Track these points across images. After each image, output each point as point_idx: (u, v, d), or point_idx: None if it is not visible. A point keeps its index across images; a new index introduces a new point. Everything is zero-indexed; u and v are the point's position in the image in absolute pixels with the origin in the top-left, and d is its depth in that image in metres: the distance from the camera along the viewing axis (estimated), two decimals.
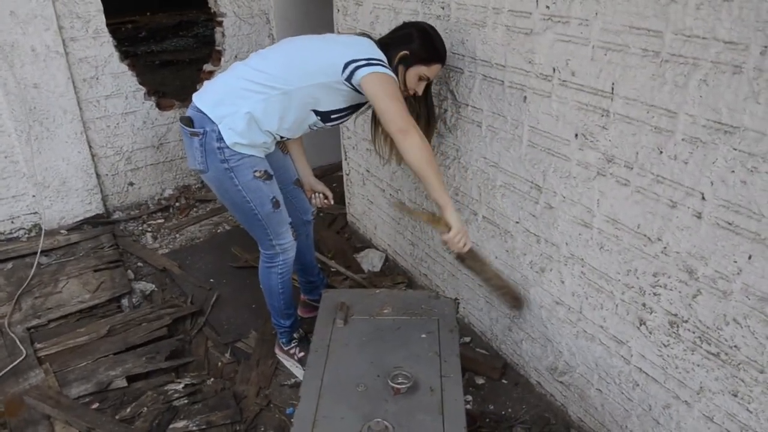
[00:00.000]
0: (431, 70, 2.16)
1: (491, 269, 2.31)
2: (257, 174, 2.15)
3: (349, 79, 2.01)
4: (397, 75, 2.08)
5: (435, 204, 2.08)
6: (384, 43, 2.15)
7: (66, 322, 2.90)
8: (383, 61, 2.02)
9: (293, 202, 2.51)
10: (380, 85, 1.98)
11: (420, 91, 2.19)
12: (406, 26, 2.20)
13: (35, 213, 3.68)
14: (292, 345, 2.59)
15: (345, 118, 2.26)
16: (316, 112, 2.15)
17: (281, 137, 2.22)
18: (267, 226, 2.27)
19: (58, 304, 3.00)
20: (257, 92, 2.06)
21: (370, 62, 1.99)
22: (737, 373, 1.60)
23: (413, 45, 2.10)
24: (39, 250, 3.38)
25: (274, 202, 2.22)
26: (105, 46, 3.61)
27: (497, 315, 2.56)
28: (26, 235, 3.66)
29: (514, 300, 2.32)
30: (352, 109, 2.23)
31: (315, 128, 2.26)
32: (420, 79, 2.15)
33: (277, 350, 2.65)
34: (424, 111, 2.30)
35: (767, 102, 1.35)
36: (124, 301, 3.06)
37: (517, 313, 2.39)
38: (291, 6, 4.14)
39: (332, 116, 2.19)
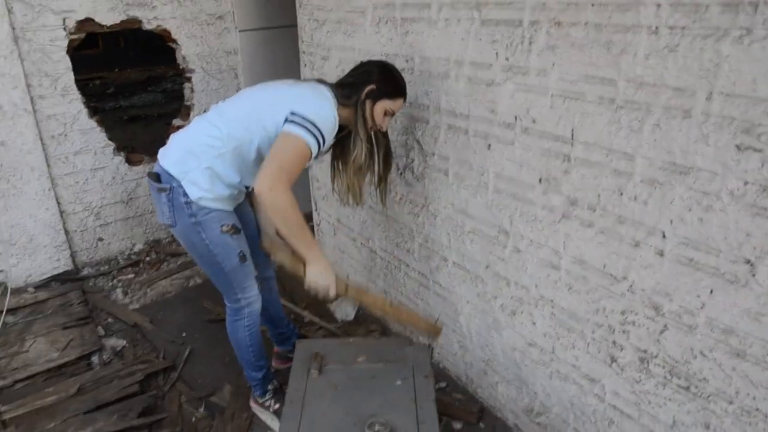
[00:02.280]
0: (396, 105, 2.19)
1: (383, 306, 2.30)
2: (225, 228, 2.16)
3: None
4: (364, 109, 2.13)
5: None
6: (348, 83, 2.18)
7: (33, 382, 2.82)
8: (315, 125, 1.99)
9: (255, 257, 2.51)
10: (286, 138, 1.98)
11: (385, 127, 2.23)
12: (365, 64, 2.23)
13: (1, 271, 3.62)
14: (267, 397, 2.56)
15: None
16: None
17: (246, 187, 2.23)
18: (233, 280, 2.27)
19: (24, 364, 2.93)
20: (214, 147, 2.07)
21: (298, 121, 1.98)
22: (708, 405, 1.64)
23: (377, 80, 2.13)
24: (5, 309, 3.31)
25: (240, 256, 2.23)
26: (74, 103, 3.63)
27: (471, 359, 2.58)
28: None
29: (427, 331, 2.28)
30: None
31: None
32: (385, 114, 2.18)
33: (252, 403, 2.62)
34: (383, 147, 2.34)
35: (716, 144, 1.43)
36: (95, 359, 3.00)
37: (434, 341, 2.36)
38: (258, 61, 4.22)
39: None
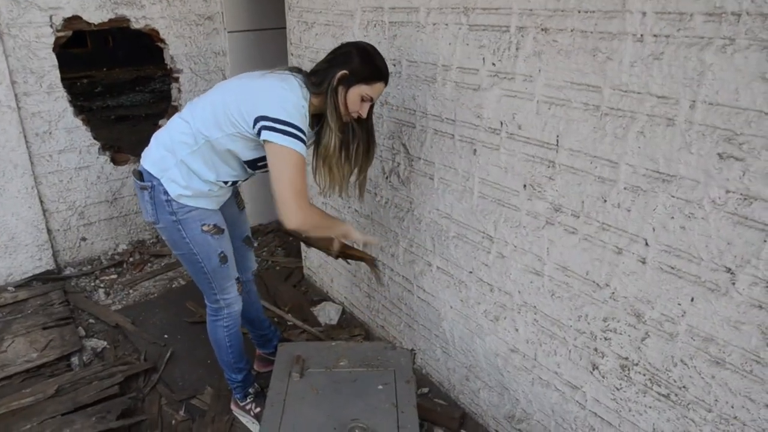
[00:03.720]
0: (373, 90, 2.03)
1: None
2: (205, 228, 2.15)
3: (258, 135, 1.95)
4: (336, 97, 2.01)
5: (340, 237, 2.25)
6: (321, 69, 2.06)
7: (10, 383, 2.78)
8: (290, 123, 1.92)
9: (239, 260, 2.47)
10: (277, 156, 1.93)
11: (364, 114, 2.08)
12: (345, 46, 2.09)
13: None
14: (248, 400, 2.54)
15: None
16: (242, 160, 2.12)
17: (225, 182, 2.17)
18: (212, 280, 2.26)
19: (2, 364, 2.88)
20: (187, 143, 2.05)
21: (274, 126, 1.91)
22: (687, 413, 1.64)
23: (353, 64, 1.99)
24: None
25: (221, 257, 2.22)
26: (59, 101, 3.60)
27: (454, 365, 2.57)
28: None
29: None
30: None
31: (252, 173, 2.21)
32: (363, 99, 2.04)
33: (233, 406, 2.60)
34: (364, 135, 2.18)
35: (699, 152, 1.44)
36: (74, 360, 2.96)
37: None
38: (247, 63, 4.20)
39: (258, 164, 2.13)
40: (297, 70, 2.13)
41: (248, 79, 2.10)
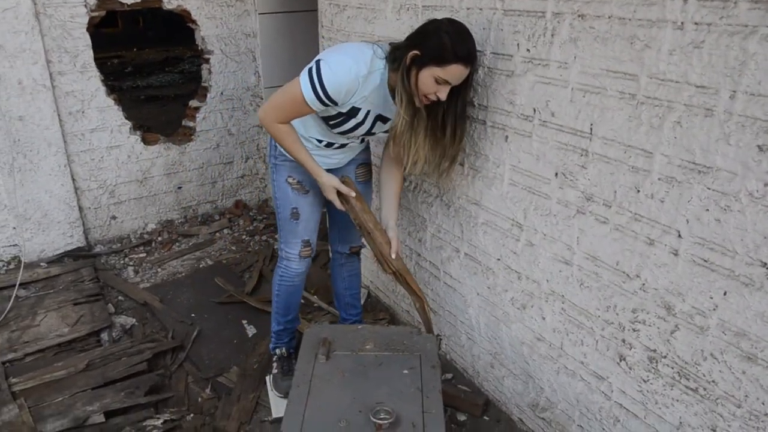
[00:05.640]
0: (447, 72, 1.88)
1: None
2: (290, 180, 2.35)
3: None
4: (408, 77, 1.93)
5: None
6: (400, 45, 2.00)
7: (43, 356, 2.86)
8: (320, 76, 1.95)
9: (338, 230, 2.66)
10: (290, 84, 2.04)
11: (442, 97, 1.94)
12: (430, 23, 1.97)
13: (15, 245, 3.65)
14: (274, 358, 2.67)
15: (343, 125, 2.15)
16: (321, 118, 2.16)
17: (320, 141, 2.27)
18: (282, 228, 2.46)
19: (35, 337, 2.96)
20: None
21: (311, 72, 1.97)
22: (715, 408, 1.62)
23: (428, 43, 1.89)
24: (17, 283, 3.34)
25: (293, 212, 2.37)
26: (92, 81, 3.64)
27: (479, 351, 2.58)
28: (5, 268, 3.62)
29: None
30: (343, 115, 2.10)
31: (335, 132, 2.20)
32: (437, 82, 1.91)
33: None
34: (451, 121, 2.10)
35: (737, 143, 1.41)
36: (104, 336, 3.03)
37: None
38: (277, 44, 4.21)
39: (330, 122, 2.15)
40: (391, 44, 2.08)
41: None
